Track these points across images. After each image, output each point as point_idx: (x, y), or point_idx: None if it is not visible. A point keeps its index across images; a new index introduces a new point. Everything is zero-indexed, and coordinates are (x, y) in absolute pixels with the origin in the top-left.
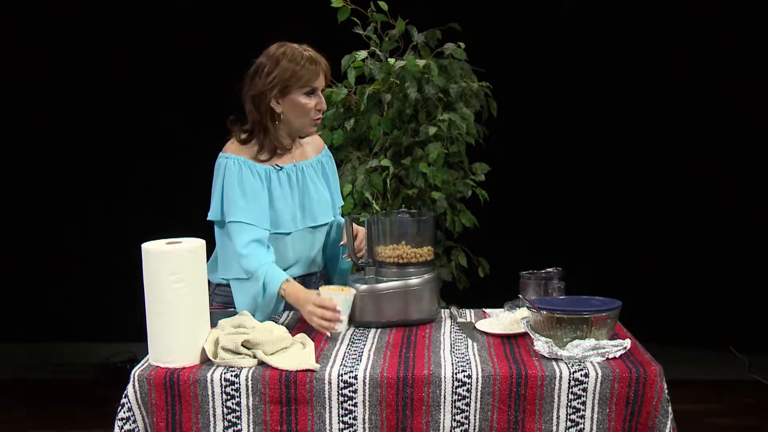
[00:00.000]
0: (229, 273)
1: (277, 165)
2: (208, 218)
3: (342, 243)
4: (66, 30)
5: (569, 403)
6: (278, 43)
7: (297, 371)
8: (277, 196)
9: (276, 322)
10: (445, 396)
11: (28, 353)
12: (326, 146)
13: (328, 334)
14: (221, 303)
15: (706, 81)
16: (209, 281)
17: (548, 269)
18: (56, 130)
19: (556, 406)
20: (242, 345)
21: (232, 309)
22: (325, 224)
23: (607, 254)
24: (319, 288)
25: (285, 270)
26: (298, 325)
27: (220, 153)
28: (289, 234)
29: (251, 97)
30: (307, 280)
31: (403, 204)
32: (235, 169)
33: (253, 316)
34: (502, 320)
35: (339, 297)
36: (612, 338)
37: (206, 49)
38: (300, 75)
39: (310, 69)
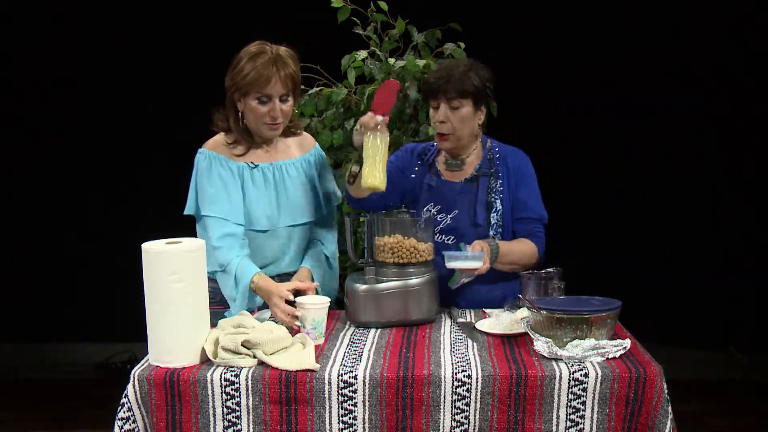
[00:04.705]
0: (210, 266)
1: (252, 162)
2: (184, 213)
3: (297, 287)
4: (65, 29)
5: (569, 403)
6: (257, 42)
7: (297, 371)
8: (251, 194)
9: (276, 322)
10: (444, 396)
11: (28, 353)
12: (317, 144)
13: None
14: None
15: (707, 80)
16: None
17: (548, 269)
18: (56, 130)
19: (555, 406)
20: (242, 345)
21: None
22: (305, 224)
23: (607, 254)
24: (296, 300)
25: (262, 268)
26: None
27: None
28: (265, 232)
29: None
30: (286, 280)
31: None
32: (206, 164)
33: (231, 308)
34: (502, 320)
35: (310, 310)
36: (612, 338)
37: (206, 50)
38: (252, 81)
39: (265, 75)
